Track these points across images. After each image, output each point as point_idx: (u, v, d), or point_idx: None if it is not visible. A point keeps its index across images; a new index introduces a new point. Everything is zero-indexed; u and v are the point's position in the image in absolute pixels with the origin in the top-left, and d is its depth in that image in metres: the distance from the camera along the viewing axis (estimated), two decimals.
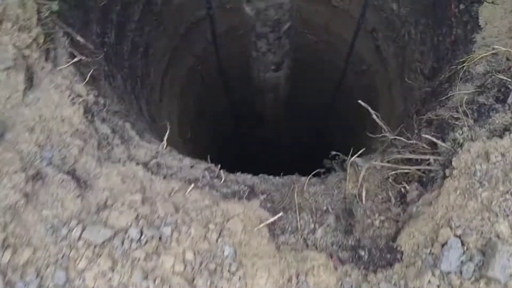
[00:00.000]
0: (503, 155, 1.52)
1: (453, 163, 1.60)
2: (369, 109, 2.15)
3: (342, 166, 2.21)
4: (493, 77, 1.94)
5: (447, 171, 1.62)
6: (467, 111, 1.84)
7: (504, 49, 2.01)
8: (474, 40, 2.31)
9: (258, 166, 7.82)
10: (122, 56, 2.95)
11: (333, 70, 5.63)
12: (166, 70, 4.05)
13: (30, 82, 1.68)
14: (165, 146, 1.91)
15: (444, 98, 2.14)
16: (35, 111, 1.63)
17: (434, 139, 1.73)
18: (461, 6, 2.60)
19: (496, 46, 2.06)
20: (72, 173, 1.55)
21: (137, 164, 1.70)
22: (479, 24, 2.33)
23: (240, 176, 1.97)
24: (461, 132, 1.70)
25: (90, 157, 1.63)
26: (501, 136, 1.59)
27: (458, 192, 1.53)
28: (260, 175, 2.05)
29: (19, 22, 1.69)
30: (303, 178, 2.02)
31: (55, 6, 1.85)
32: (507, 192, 1.44)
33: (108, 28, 2.73)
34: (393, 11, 3.74)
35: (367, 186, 1.87)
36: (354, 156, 1.98)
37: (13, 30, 1.66)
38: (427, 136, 1.77)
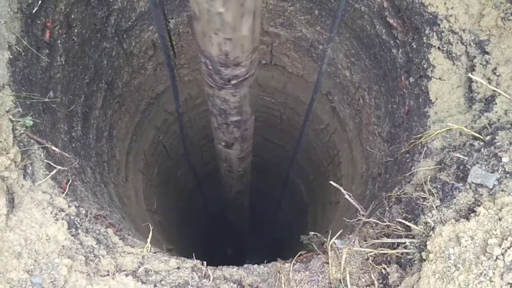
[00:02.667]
0: (472, 238, 1.68)
1: (428, 246, 1.74)
2: (341, 189, 2.31)
3: (319, 245, 2.33)
4: (450, 154, 2.14)
5: (423, 254, 1.76)
6: (432, 190, 2.02)
7: (456, 126, 2.24)
8: (428, 114, 2.55)
9: (223, 226, 7.84)
10: (89, 146, 3.00)
11: (293, 129, 5.89)
12: (129, 148, 4.11)
13: (11, 204, 1.71)
14: (149, 249, 1.95)
15: (408, 174, 2.33)
16: (20, 235, 1.65)
17: (408, 223, 1.88)
18: (411, 79, 2.85)
19: (449, 124, 2.28)
20: None
21: (126, 275, 1.74)
22: (430, 98, 2.58)
23: (225, 270, 2.04)
24: (431, 215, 1.86)
25: (80, 275, 1.66)
26: (467, 218, 1.76)
27: (436, 276, 1.66)
28: (245, 265, 2.13)
29: None
30: (286, 265, 2.11)
31: (29, 121, 1.91)
32: (481, 274, 1.59)
33: (75, 121, 2.79)
34: (346, 77, 4.01)
35: (350, 270, 1.98)
36: (333, 239, 2.10)
37: None
38: (400, 220, 1.92)
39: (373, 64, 3.43)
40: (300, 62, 4.39)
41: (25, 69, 2.14)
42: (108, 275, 1.72)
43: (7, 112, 1.84)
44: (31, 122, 1.91)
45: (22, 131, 1.87)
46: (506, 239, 1.63)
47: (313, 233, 2.37)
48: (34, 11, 2.23)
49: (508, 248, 1.60)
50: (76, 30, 2.69)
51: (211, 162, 6.35)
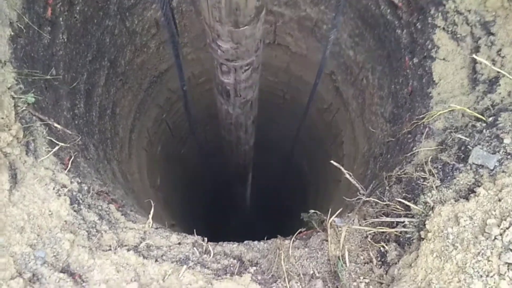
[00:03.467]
0: (471, 218, 1.67)
1: (427, 226, 1.74)
2: (342, 169, 2.29)
3: (319, 223, 2.33)
4: (452, 135, 2.12)
5: (422, 233, 1.76)
6: (432, 170, 2.01)
7: (459, 107, 2.21)
8: (430, 95, 2.52)
9: (227, 202, 7.89)
10: (92, 123, 2.99)
11: (297, 108, 5.86)
12: (133, 126, 4.10)
13: (14, 179, 1.70)
14: (151, 225, 1.96)
15: (409, 154, 2.31)
16: (23, 210, 1.65)
17: (407, 202, 1.87)
18: (415, 60, 2.81)
19: (452, 105, 2.25)
20: (66, 269, 1.58)
21: (128, 249, 1.74)
22: (434, 79, 2.54)
23: (226, 246, 2.05)
24: (430, 195, 1.85)
25: (82, 249, 1.66)
26: (467, 198, 1.75)
27: (434, 254, 1.66)
28: (245, 242, 2.14)
29: None
30: (286, 242, 2.12)
31: (31, 98, 1.90)
32: (479, 253, 1.59)
33: (77, 99, 2.77)
34: (349, 57, 3.96)
35: (349, 247, 1.98)
36: (333, 217, 2.10)
37: None
38: (400, 199, 1.92)
39: (377, 45, 3.38)
40: (304, 41, 4.34)
41: (27, 46, 2.11)
42: (110, 249, 1.72)
43: (8, 88, 1.82)
44: (33, 99, 1.89)
45: (24, 108, 1.86)
46: (505, 220, 1.62)
47: (313, 211, 2.37)
48: None
49: (507, 228, 1.59)
50: (78, 8, 2.65)
51: (214, 139, 6.34)
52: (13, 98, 1.83)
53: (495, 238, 1.60)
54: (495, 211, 1.66)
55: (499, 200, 1.68)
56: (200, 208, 7.64)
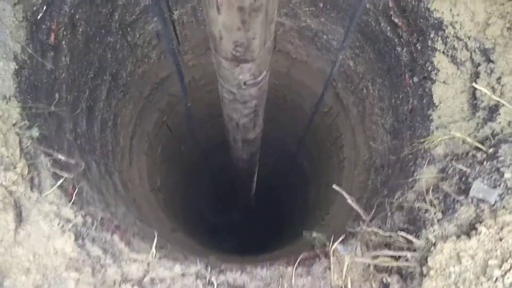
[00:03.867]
0: (472, 258, 1.68)
1: (429, 262, 1.75)
2: (344, 193, 2.30)
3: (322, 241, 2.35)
4: (453, 164, 2.12)
5: (424, 269, 1.77)
6: (434, 201, 2.01)
7: (460, 135, 2.21)
8: (431, 117, 2.51)
9: (228, 199, 7.90)
10: (94, 138, 2.98)
11: (297, 109, 5.87)
12: (133, 132, 4.10)
13: (19, 218, 1.71)
14: (154, 255, 1.97)
15: (411, 179, 2.32)
16: (28, 249, 1.65)
17: (410, 237, 1.88)
18: (415, 79, 2.80)
19: (453, 132, 2.25)
20: None
21: (132, 285, 1.76)
22: (434, 101, 2.53)
23: (229, 275, 2.06)
24: (432, 230, 1.86)
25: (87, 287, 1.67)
26: (468, 235, 1.76)
27: None
28: (247, 268, 2.15)
29: (3, 161, 1.72)
30: (289, 269, 2.13)
31: (35, 133, 1.89)
32: None
33: (79, 117, 2.76)
34: (350, 66, 3.94)
35: (351, 277, 2.00)
36: (336, 244, 2.12)
37: (0, 170, 1.69)
38: (403, 234, 1.92)
39: (377, 58, 3.37)
40: (304, 49, 4.31)
41: (31, 76, 2.10)
42: (114, 285, 1.73)
43: (13, 125, 1.82)
44: (38, 134, 1.89)
45: (29, 144, 1.85)
46: (506, 261, 1.63)
47: (316, 234, 2.38)
48: (39, 17, 2.16)
49: (508, 270, 1.60)
50: (80, 29, 2.63)
51: (215, 138, 6.32)
52: (18, 134, 1.82)
53: (496, 280, 1.61)
54: (496, 251, 1.67)
55: (500, 240, 1.69)
56: (201, 207, 7.67)
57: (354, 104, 4.26)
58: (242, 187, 6.53)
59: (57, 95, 2.40)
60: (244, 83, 2.31)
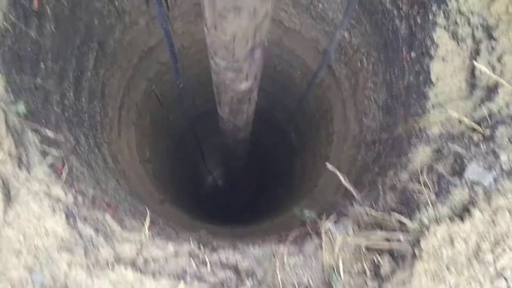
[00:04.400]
0: (465, 241, 1.69)
1: (421, 245, 1.76)
2: (337, 172, 2.28)
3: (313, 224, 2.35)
4: (448, 144, 2.11)
5: (416, 251, 1.79)
6: (428, 182, 2.01)
7: (457, 115, 2.19)
8: (427, 95, 2.48)
9: (216, 174, 7.87)
10: (82, 110, 2.91)
11: (286, 80, 5.80)
12: (122, 102, 4.01)
13: (8, 197, 1.66)
14: (147, 236, 1.95)
15: (404, 159, 2.31)
16: (18, 230, 1.62)
17: (403, 219, 1.88)
18: (412, 54, 2.75)
19: (450, 112, 2.23)
20: None
21: (125, 266, 1.74)
22: (431, 79, 2.50)
23: (222, 253, 2.06)
24: (425, 212, 1.86)
25: (80, 269, 1.65)
26: (462, 218, 1.76)
27: (428, 275, 1.70)
28: (239, 246, 2.15)
29: None
30: (281, 248, 2.13)
31: (21, 108, 1.82)
32: (472, 277, 1.62)
33: (66, 88, 2.67)
34: (344, 38, 3.87)
35: (343, 257, 2.01)
36: (327, 222, 2.12)
37: None
38: (395, 215, 1.92)
39: (374, 31, 3.30)
40: (298, 18, 4.21)
41: (14, 45, 2.01)
42: (107, 266, 1.72)
43: None
44: (24, 109, 1.82)
45: (15, 120, 1.78)
46: (499, 245, 1.65)
47: (307, 211, 2.37)
48: None
49: (500, 254, 1.62)
50: None
51: (203, 106, 6.24)
52: (3, 110, 1.75)
53: (488, 264, 1.63)
54: (489, 235, 1.69)
55: (494, 223, 1.71)
56: (190, 178, 7.66)
57: (346, 77, 4.20)
58: (232, 156, 6.50)
59: (42, 65, 2.31)
60: None
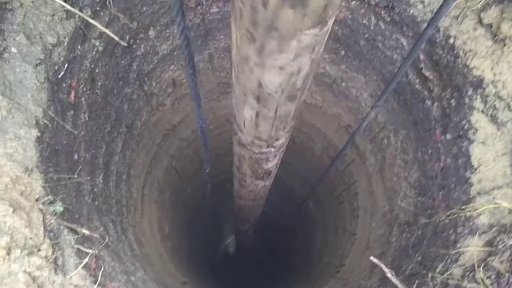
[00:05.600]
0: None
1: None
2: (383, 267, 2.17)
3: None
4: (502, 237, 2.00)
5: None
6: (485, 280, 1.88)
7: (506, 205, 2.10)
8: (470, 181, 2.40)
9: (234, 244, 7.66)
10: (109, 196, 2.86)
11: (305, 152, 5.78)
12: (145, 181, 3.98)
13: None
14: None
15: (453, 251, 2.19)
16: None
17: None
18: (448, 136, 2.71)
19: (498, 201, 2.14)
20: None
21: None
22: (472, 163, 2.43)
23: None
24: None
25: None
26: None
27: None
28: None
29: (27, 243, 1.58)
30: None
31: (59, 208, 1.76)
32: None
33: (96, 176, 2.64)
34: (367, 115, 3.86)
35: None
36: None
37: (22, 256, 1.55)
38: None
39: (402, 109, 3.29)
40: (320, 95, 4.25)
41: (51, 141, 1.99)
42: None
43: (36, 200, 1.69)
44: (61, 208, 1.76)
45: (53, 220, 1.72)
46: None
47: None
48: (60, 75, 2.07)
49: None
50: (99, 83, 2.54)
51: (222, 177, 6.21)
52: (41, 211, 1.69)
53: None
54: None
55: None
56: (209, 252, 7.49)
57: (372, 153, 4.15)
58: (244, 234, 6.38)
59: (76, 156, 2.28)
60: None
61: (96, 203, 2.52)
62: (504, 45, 2.22)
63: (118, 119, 2.94)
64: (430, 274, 2.16)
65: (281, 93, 1.52)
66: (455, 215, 2.36)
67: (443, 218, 2.47)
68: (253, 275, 7.54)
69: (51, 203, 1.75)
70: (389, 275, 2.12)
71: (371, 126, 3.93)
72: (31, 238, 1.59)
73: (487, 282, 1.87)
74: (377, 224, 3.99)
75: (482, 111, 2.43)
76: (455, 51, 2.43)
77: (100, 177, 2.70)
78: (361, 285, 3.33)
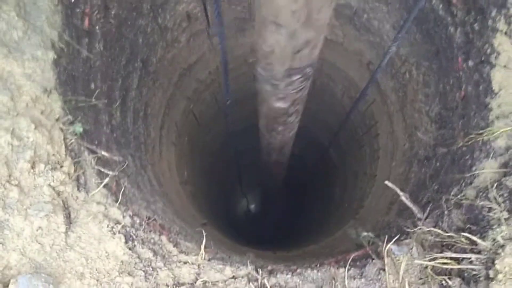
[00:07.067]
0: None
1: (496, 265, 1.72)
2: (397, 190, 2.27)
3: (371, 244, 2.34)
4: None
5: (491, 273, 1.75)
6: (498, 198, 1.97)
7: None
8: (489, 106, 2.45)
9: (255, 195, 7.90)
10: (127, 131, 2.99)
11: (326, 95, 5.79)
12: (162, 122, 4.11)
13: (68, 219, 1.72)
14: (203, 257, 1.98)
15: (469, 174, 2.27)
16: (80, 253, 1.67)
17: (475, 238, 1.85)
18: (469, 63, 2.73)
19: None
20: None
21: None
22: (493, 88, 2.46)
23: (280, 278, 2.06)
24: (500, 231, 1.82)
25: None
26: None
27: None
28: (299, 271, 2.15)
29: (50, 159, 1.73)
30: (341, 270, 2.12)
31: (79, 128, 1.90)
32: None
33: (113, 108, 2.77)
34: (390, 48, 3.86)
35: (408, 280, 1.98)
36: (390, 244, 2.10)
37: (46, 170, 1.70)
38: (467, 235, 1.89)
39: (425, 39, 3.29)
40: (341, 29, 4.24)
41: (68, 66, 2.10)
42: None
43: (57, 120, 1.82)
44: (81, 129, 1.90)
45: (73, 140, 1.86)
46: None
47: (365, 233, 2.36)
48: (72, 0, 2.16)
49: None
50: (113, 12, 2.62)
51: (240, 123, 6.27)
52: (62, 130, 1.83)
53: None
54: None
55: None
56: (228, 199, 7.71)
57: (393, 90, 4.18)
58: (267, 174, 6.51)
59: (93, 85, 2.40)
60: None
61: (115, 135, 2.66)
62: None
63: (133, 53, 3.04)
64: (444, 197, 2.26)
65: None
66: (472, 141, 2.43)
67: (460, 144, 2.54)
68: (275, 224, 7.78)
69: (71, 123, 1.88)
70: (403, 198, 2.23)
71: (392, 61, 3.94)
72: (53, 155, 1.74)
73: (500, 199, 1.96)
74: (397, 163, 4.07)
75: (506, 33, 2.43)
76: None
77: (118, 110, 2.83)
78: (378, 221, 3.46)
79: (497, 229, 1.85)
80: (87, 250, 1.69)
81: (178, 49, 3.81)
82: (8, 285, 1.45)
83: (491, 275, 1.74)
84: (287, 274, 2.07)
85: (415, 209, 2.21)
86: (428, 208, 2.30)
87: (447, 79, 3.06)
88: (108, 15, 2.57)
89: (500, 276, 1.70)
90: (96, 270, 1.67)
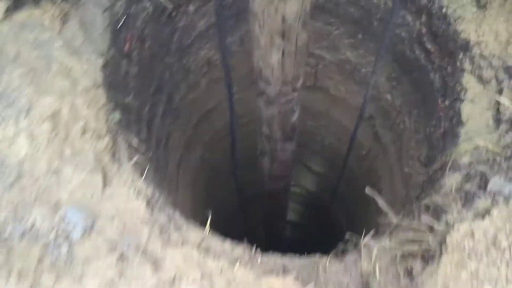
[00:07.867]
0: (484, 233, 2.12)
1: (447, 241, 2.20)
2: (375, 196, 2.78)
3: (355, 247, 2.81)
4: (475, 167, 2.59)
5: (443, 248, 2.22)
6: (456, 196, 2.48)
7: (483, 144, 2.68)
8: (459, 134, 2.99)
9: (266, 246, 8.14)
10: (151, 149, 3.58)
11: (335, 156, 6.30)
12: (179, 161, 4.67)
13: (105, 180, 2.28)
14: (208, 232, 2.49)
15: (437, 187, 2.78)
16: (112, 205, 2.21)
17: (431, 220, 2.34)
18: (446, 102, 3.31)
19: (476, 142, 2.73)
20: (146, 254, 2.11)
21: (192, 247, 2.27)
22: (462, 120, 3.01)
23: (271, 257, 2.54)
24: (451, 216, 2.32)
25: (156, 241, 2.19)
26: (483, 218, 2.21)
27: (452, 264, 2.11)
28: (288, 254, 2.62)
29: (95, 132, 2.33)
30: (324, 259, 2.59)
31: (117, 116, 2.51)
32: (490, 262, 2.03)
33: (142, 126, 3.38)
34: (387, 100, 4.48)
35: (380, 264, 2.44)
36: (367, 237, 2.58)
37: (92, 139, 2.30)
38: (424, 218, 2.39)
39: (413, 88, 3.91)
40: (343, 84, 4.91)
41: (111, 75, 2.76)
42: (177, 245, 2.25)
43: (101, 106, 2.45)
44: (119, 116, 2.51)
45: (112, 124, 2.47)
46: None
47: (349, 233, 2.84)
48: (119, 26, 2.87)
49: None
50: (147, 44, 3.32)
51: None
52: (106, 115, 2.45)
53: (504, 250, 2.05)
54: (505, 227, 2.11)
55: (510, 219, 2.14)
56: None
57: (392, 142, 4.72)
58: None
59: (128, 98, 3.05)
60: None
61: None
62: (486, 9, 2.87)
63: (160, 86, 3.71)
64: (417, 206, 2.76)
65: (298, 20, 2.29)
66: (445, 163, 2.95)
67: (435, 168, 3.07)
68: None
69: (112, 112, 2.50)
70: (378, 201, 2.74)
71: (389, 113, 4.54)
72: (97, 130, 2.34)
73: (458, 198, 2.47)
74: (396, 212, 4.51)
75: (471, 72, 3.03)
76: (447, 19, 3.09)
77: (145, 129, 3.45)
78: None
79: (450, 216, 2.33)
80: (118, 204, 2.23)
81: (198, 92, 4.49)
82: (57, 211, 2.00)
83: (443, 249, 2.21)
84: (277, 254, 2.55)
85: (389, 210, 2.70)
86: (402, 213, 2.79)
87: (432, 121, 3.63)
88: (144, 46, 3.28)
89: (449, 248, 2.17)
90: (124, 218, 2.19)
